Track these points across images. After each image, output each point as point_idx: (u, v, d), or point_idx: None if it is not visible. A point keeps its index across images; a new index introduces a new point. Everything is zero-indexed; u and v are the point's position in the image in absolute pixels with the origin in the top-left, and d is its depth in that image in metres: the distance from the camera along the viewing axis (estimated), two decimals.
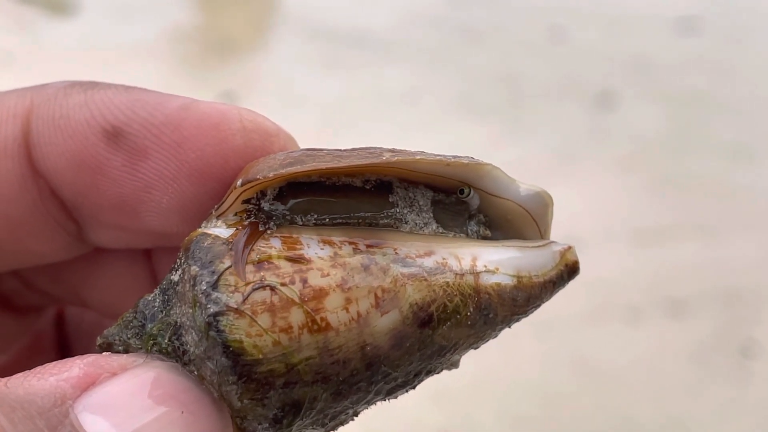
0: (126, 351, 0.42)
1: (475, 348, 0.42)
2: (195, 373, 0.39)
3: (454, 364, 0.43)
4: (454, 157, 0.42)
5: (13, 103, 0.45)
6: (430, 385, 0.44)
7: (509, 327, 0.42)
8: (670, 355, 2.12)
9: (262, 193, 0.41)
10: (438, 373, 0.43)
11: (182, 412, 0.38)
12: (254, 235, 0.40)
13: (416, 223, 0.42)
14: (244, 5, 3.92)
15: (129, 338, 0.42)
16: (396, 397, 0.42)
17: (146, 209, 0.45)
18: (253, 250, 0.39)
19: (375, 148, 0.42)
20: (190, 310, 0.39)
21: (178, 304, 0.40)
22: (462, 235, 0.43)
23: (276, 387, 0.38)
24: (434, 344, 0.40)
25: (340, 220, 0.41)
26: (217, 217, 0.42)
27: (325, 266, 0.39)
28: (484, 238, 0.44)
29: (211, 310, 0.38)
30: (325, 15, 3.64)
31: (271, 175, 0.40)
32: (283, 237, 0.40)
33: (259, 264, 0.39)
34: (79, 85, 0.45)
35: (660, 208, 2.64)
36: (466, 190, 0.44)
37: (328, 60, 3.31)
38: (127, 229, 0.47)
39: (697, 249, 2.47)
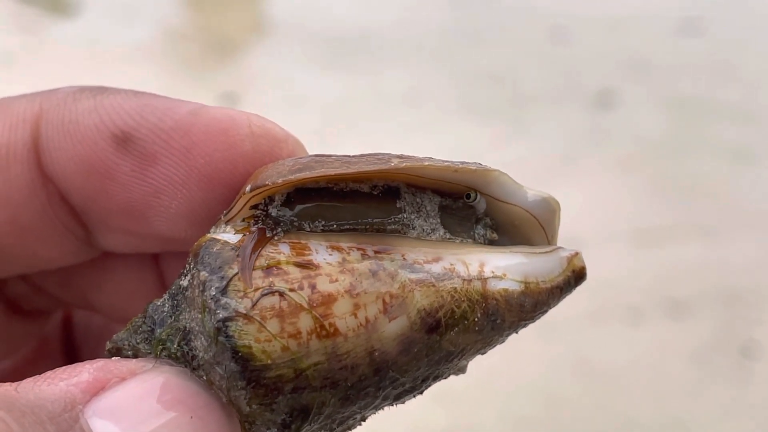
0: (135, 356, 0.42)
1: (483, 353, 0.42)
2: (204, 378, 0.40)
3: (462, 370, 0.43)
4: (462, 163, 0.42)
5: (22, 108, 0.45)
6: (433, 386, 0.44)
7: (516, 333, 0.42)
8: (670, 356, 2.12)
9: (270, 199, 0.41)
10: (445, 378, 0.43)
11: (191, 417, 0.38)
12: (261, 241, 0.40)
13: (424, 229, 0.42)
14: (244, 6, 3.92)
15: (138, 343, 0.42)
16: (403, 402, 0.42)
17: (155, 214, 0.45)
18: (261, 255, 0.39)
19: (383, 154, 0.42)
20: (200, 316, 0.39)
21: (187, 309, 0.41)
22: (469, 240, 0.43)
23: (284, 392, 0.38)
24: (442, 350, 0.40)
25: (348, 226, 0.41)
26: (226, 223, 0.42)
27: (333, 272, 0.39)
28: (491, 240, 0.44)
29: (221, 315, 0.38)
30: (325, 16, 3.64)
31: (279, 181, 0.40)
32: (292, 243, 0.40)
33: (268, 269, 0.39)
34: (88, 90, 0.45)
35: (661, 208, 2.64)
36: (473, 195, 0.44)
37: (329, 60, 3.31)
38: (136, 233, 0.47)
39: (698, 249, 2.47)
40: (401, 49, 3.44)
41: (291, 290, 0.38)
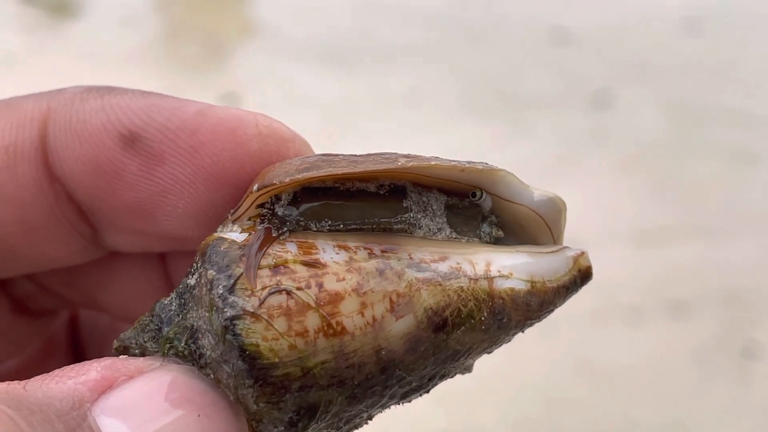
0: (142, 354, 0.42)
1: (489, 353, 0.42)
2: (211, 376, 0.40)
3: (468, 369, 0.43)
4: (469, 162, 0.42)
5: (30, 107, 0.46)
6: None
7: (522, 332, 0.42)
8: (671, 356, 2.12)
9: (277, 198, 0.41)
10: (452, 377, 0.43)
11: (198, 415, 0.38)
12: (267, 240, 0.40)
13: (430, 228, 0.43)
14: (245, 7, 3.92)
15: (145, 341, 0.42)
16: (410, 401, 0.42)
17: (162, 213, 0.45)
18: (268, 254, 0.39)
19: (390, 153, 0.42)
20: (207, 314, 0.39)
21: (195, 308, 0.41)
22: (475, 239, 0.43)
23: (292, 390, 0.38)
24: (448, 349, 0.40)
25: (355, 226, 0.41)
26: (233, 222, 0.42)
27: (340, 271, 0.39)
28: (497, 238, 0.44)
29: (228, 313, 0.38)
30: (326, 16, 3.64)
31: (287, 180, 0.40)
32: (299, 242, 0.40)
33: (276, 268, 0.39)
34: (95, 89, 0.45)
35: (662, 209, 2.64)
36: (479, 193, 0.44)
37: (329, 61, 3.32)
38: (143, 233, 0.47)
39: (699, 250, 2.47)
40: (402, 50, 3.44)
41: (298, 289, 0.38)
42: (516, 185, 0.43)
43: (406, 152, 0.42)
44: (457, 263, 0.41)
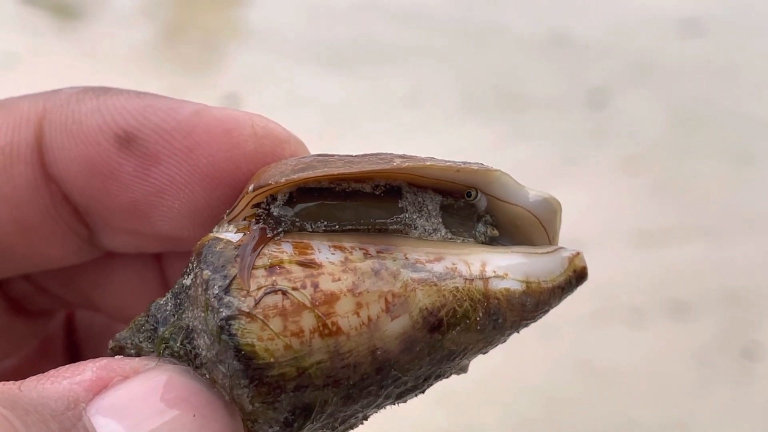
0: (138, 354, 0.42)
1: (484, 353, 0.42)
2: (207, 376, 0.40)
3: (463, 369, 0.43)
4: (464, 163, 0.42)
5: (26, 108, 0.46)
6: (434, 387, 0.45)
7: (518, 332, 0.43)
8: (672, 357, 2.12)
9: (273, 198, 0.42)
10: (447, 377, 0.43)
11: (194, 415, 0.38)
12: (262, 240, 0.40)
13: (425, 229, 0.43)
14: (246, 7, 3.92)
15: (141, 342, 0.42)
16: (405, 402, 0.42)
17: (158, 214, 0.45)
18: (264, 254, 0.39)
19: (386, 153, 0.42)
20: (203, 314, 0.39)
21: (190, 308, 0.41)
22: (471, 240, 0.43)
23: (287, 390, 0.39)
24: (444, 349, 0.40)
25: (350, 226, 0.41)
26: (229, 222, 0.42)
27: (336, 271, 0.39)
28: (492, 237, 0.44)
29: (224, 314, 0.38)
30: (327, 16, 3.64)
31: (282, 180, 0.40)
32: (295, 242, 0.40)
33: (271, 268, 0.39)
34: (91, 90, 0.45)
35: (662, 209, 2.64)
36: (474, 193, 0.44)
37: (330, 62, 3.32)
38: (139, 233, 0.47)
39: (700, 251, 2.47)
40: (402, 50, 3.45)
41: (294, 289, 0.38)
42: (511, 186, 0.43)
43: (404, 153, 0.42)
44: (453, 264, 0.41)
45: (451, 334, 0.40)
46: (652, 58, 3.53)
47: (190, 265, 0.42)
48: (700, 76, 3.43)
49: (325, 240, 0.41)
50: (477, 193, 0.44)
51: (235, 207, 0.42)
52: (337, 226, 0.41)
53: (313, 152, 0.45)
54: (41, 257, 0.49)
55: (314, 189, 0.42)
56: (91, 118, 0.44)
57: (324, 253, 0.40)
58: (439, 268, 0.40)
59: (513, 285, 0.41)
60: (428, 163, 0.41)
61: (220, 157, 0.43)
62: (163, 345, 0.41)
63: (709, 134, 3.05)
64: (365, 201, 0.42)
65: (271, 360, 0.38)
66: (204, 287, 0.39)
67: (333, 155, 0.42)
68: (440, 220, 0.43)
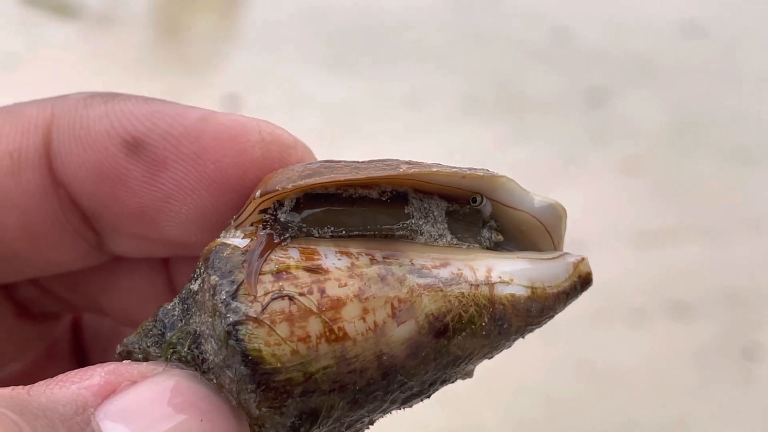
0: (145, 359, 0.43)
1: (490, 358, 0.43)
2: (214, 381, 0.40)
3: (469, 374, 0.44)
4: (470, 169, 0.43)
5: (34, 113, 0.46)
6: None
7: (523, 337, 0.43)
8: (673, 358, 2.12)
9: (280, 204, 0.42)
10: (452, 382, 0.43)
11: (201, 420, 0.38)
12: (269, 246, 0.41)
13: (431, 234, 0.43)
14: (246, 7, 3.92)
15: (148, 346, 0.43)
16: (411, 406, 0.43)
17: (165, 219, 0.45)
18: (270, 260, 0.40)
19: (392, 160, 0.42)
20: (210, 319, 0.40)
21: (198, 313, 0.41)
22: (476, 245, 0.44)
23: (294, 395, 0.39)
24: (449, 354, 0.41)
25: (357, 232, 0.41)
26: (236, 227, 0.42)
27: (342, 276, 0.39)
28: (497, 242, 0.44)
29: (231, 319, 0.38)
30: (328, 17, 3.64)
31: (290, 186, 0.40)
32: (302, 247, 0.40)
33: (278, 274, 0.39)
34: (99, 96, 0.46)
35: (663, 210, 2.64)
36: (479, 199, 0.44)
37: (331, 62, 3.32)
38: (146, 238, 0.47)
39: (700, 251, 2.47)
40: (403, 51, 3.45)
41: (300, 294, 0.39)
42: (517, 191, 0.44)
43: (407, 155, 0.43)
44: (458, 269, 0.41)
45: (456, 340, 0.40)
46: (652, 58, 3.53)
47: (197, 270, 0.42)
48: (700, 76, 3.43)
49: (331, 245, 0.41)
50: (482, 198, 0.44)
51: (242, 212, 0.42)
52: (343, 232, 0.41)
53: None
54: (49, 262, 0.49)
55: (321, 195, 0.42)
56: (99, 124, 0.44)
57: (330, 258, 0.40)
58: (444, 273, 0.41)
59: (518, 290, 0.41)
60: (434, 170, 0.42)
61: (228, 163, 0.43)
62: (171, 350, 0.41)
63: (709, 134, 3.05)
64: (372, 207, 0.42)
65: (278, 365, 0.38)
66: (211, 292, 0.39)
67: (340, 161, 0.42)
68: (446, 225, 0.43)
